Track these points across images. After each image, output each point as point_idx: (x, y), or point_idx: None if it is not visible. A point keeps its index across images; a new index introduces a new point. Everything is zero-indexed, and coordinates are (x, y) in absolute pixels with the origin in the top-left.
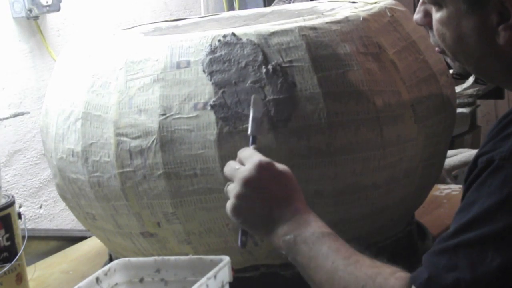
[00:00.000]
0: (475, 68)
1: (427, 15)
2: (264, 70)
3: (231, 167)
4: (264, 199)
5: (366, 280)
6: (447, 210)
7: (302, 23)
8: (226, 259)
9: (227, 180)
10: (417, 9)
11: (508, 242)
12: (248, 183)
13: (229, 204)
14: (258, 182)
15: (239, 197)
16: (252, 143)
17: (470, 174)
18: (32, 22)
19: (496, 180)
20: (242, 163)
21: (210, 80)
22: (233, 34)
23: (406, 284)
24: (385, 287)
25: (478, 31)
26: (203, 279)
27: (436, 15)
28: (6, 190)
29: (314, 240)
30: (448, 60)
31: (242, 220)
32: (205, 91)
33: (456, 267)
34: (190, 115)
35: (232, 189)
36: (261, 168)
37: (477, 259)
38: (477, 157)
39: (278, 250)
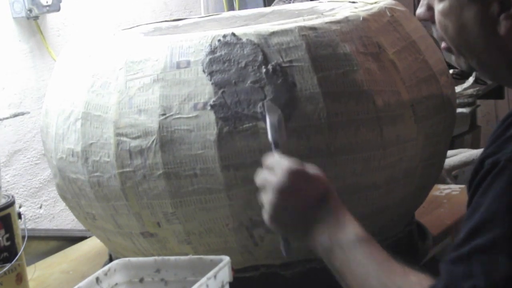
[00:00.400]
0: (478, 62)
1: (430, 9)
2: (264, 70)
3: (262, 177)
4: (299, 205)
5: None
6: (447, 210)
7: (302, 23)
8: (226, 259)
9: (260, 187)
10: (420, 3)
11: None
12: (282, 191)
13: (266, 214)
14: (291, 189)
15: (275, 206)
16: (275, 149)
17: (475, 176)
18: (32, 22)
19: (503, 182)
20: (271, 171)
21: (210, 80)
22: (233, 34)
23: None
24: None
25: (479, 21)
26: (203, 279)
27: (439, 6)
28: (6, 190)
29: (349, 245)
30: (453, 58)
31: (281, 228)
32: (205, 91)
33: (471, 275)
34: (190, 115)
35: (267, 198)
36: (292, 174)
37: (490, 265)
38: (482, 159)
39: (315, 253)
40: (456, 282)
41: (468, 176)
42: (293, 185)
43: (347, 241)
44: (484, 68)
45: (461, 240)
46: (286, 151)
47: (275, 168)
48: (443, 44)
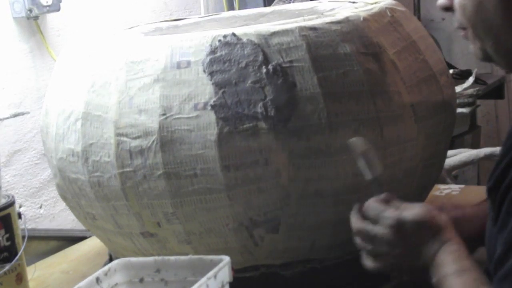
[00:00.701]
0: (494, 44)
1: None
2: (264, 70)
3: (367, 228)
4: (409, 252)
5: None
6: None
7: (302, 23)
8: (226, 259)
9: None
10: None
11: None
12: (391, 245)
13: (383, 262)
14: (400, 242)
15: (396, 255)
16: (379, 188)
17: (502, 179)
18: (32, 22)
19: None
20: (376, 223)
21: (210, 80)
22: (233, 34)
23: None
24: None
25: None
26: (203, 279)
27: None
28: (6, 190)
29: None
30: (471, 47)
31: (398, 272)
32: (206, 91)
33: None
34: (190, 115)
35: (388, 244)
36: (422, 226)
37: None
38: (508, 165)
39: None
40: None
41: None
42: (401, 238)
43: (450, 276)
44: (500, 53)
45: (504, 252)
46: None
47: (379, 221)
48: (462, 32)
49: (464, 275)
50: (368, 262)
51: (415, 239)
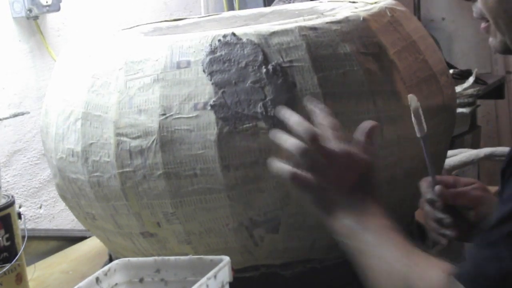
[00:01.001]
0: None
1: None
2: (264, 70)
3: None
4: (343, 185)
5: (416, 277)
6: None
7: (302, 23)
8: (226, 259)
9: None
10: None
11: None
12: (337, 160)
13: (307, 176)
14: (347, 166)
15: (320, 172)
16: (427, 146)
17: (510, 165)
18: (32, 22)
19: None
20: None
21: (210, 80)
22: (233, 34)
23: (450, 279)
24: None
25: None
26: (203, 279)
27: None
28: (6, 190)
29: (377, 230)
30: (490, 39)
31: (314, 196)
32: (205, 91)
33: (498, 258)
34: (190, 115)
35: (316, 160)
36: (352, 157)
37: None
38: None
39: (336, 234)
40: (482, 266)
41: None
42: (350, 167)
43: (375, 226)
44: None
45: (492, 225)
46: None
47: (342, 140)
48: (482, 24)
49: (395, 231)
50: (278, 165)
51: (348, 180)
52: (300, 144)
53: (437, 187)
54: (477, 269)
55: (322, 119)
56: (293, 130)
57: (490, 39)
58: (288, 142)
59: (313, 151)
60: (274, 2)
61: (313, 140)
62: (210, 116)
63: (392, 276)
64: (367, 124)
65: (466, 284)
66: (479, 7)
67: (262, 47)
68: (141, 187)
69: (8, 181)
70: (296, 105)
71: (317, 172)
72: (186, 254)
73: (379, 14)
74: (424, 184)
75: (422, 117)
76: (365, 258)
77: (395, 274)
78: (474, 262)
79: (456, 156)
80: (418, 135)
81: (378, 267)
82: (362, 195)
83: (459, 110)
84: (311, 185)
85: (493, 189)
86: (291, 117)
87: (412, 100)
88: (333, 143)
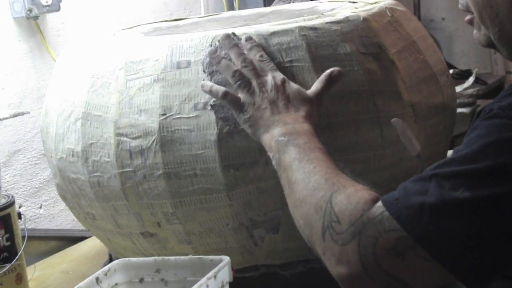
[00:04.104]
0: (499, 32)
1: None
2: None
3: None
4: (274, 103)
5: (339, 187)
6: None
7: (302, 23)
8: (226, 259)
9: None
10: None
11: (483, 182)
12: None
13: (243, 95)
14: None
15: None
16: (423, 163)
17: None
18: (32, 22)
19: (489, 126)
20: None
21: (210, 80)
22: (234, 34)
23: (374, 200)
24: (353, 195)
25: None
26: (203, 279)
27: None
28: (6, 190)
29: (305, 147)
30: (474, 32)
31: (248, 115)
32: None
33: (425, 193)
34: (190, 115)
35: (259, 81)
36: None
37: (448, 189)
38: (480, 110)
39: (266, 150)
40: (408, 196)
41: None
42: (284, 91)
43: (305, 144)
44: (504, 41)
45: (430, 168)
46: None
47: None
48: (467, 17)
49: (324, 151)
50: (211, 84)
51: (276, 98)
52: (233, 67)
53: None
54: (402, 197)
55: (255, 51)
56: (232, 56)
57: (474, 32)
58: (223, 62)
59: (245, 73)
60: (274, 2)
61: (247, 64)
62: (210, 116)
63: (316, 191)
64: (335, 69)
65: (387, 205)
66: None
67: (262, 47)
68: (141, 187)
69: (8, 181)
70: None
71: (247, 91)
72: (186, 254)
73: (379, 14)
74: None
75: (412, 137)
76: (287, 170)
77: (320, 188)
78: (403, 192)
79: None
80: (412, 154)
81: (296, 178)
82: (294, 114)
83: (459, 110)
84: (241, 103)
85: None
86: (231, 49)
87: (397, 123)
88: (262, 67)
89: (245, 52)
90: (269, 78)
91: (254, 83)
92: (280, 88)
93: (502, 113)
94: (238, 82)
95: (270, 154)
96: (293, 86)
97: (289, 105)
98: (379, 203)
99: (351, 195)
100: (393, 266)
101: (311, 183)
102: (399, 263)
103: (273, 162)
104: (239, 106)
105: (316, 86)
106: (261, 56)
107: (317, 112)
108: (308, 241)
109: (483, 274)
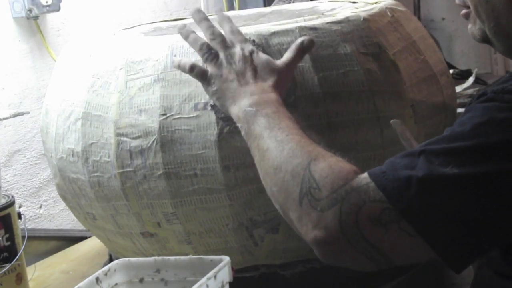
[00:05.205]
0: (494, 27)
1: None
2: None
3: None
4: (242, 74)
5: (317, 155)
6: None
7: (303, 23)
8: (226, 259)
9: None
10: None
11: (473, 159)
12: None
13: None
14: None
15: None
16: None
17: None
18: (32, 22)
19: (483, 108)
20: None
21: None
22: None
23: (356, 171)
24: (335, 165)
25: None
26: (203, 279)
27: None
28: (6, 190)
29: (274, 116)
30: (469, 26)
31: (215, 88)
32: None
33: (413, 167)
34: (191, 115)
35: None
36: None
37: (437, 165)
38: (476, 95)
39: (235, 122)
40: (395, 170)
41: None
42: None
43: (274, 113)
44: (499, 36)
45: (419, 146)
46: None
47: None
48: (463, 11)
49: (294, 121)
50: (180, 59)
51: (246, 70)
52: (201, 39)
53: None
54: (390, 171)
55: (226, 23)
56: (201, 30)
57: (469, 26)
58: (191, 36)
59: (213, 45)
60: (274, 2)
61: (215, 37)
62: (211, 116)
63: (291, 158)
64: (306, 38)
65: (373, 176)
66: None
67: (262, 47)
68: (141, 187)
69: (8, 181)
70: (296, 105)
71: (215, 64)
72: (186, 254)
73: (380, 14)
74: None
75: (411, 138)
76: (258, 140)
77: (296, 156)
78: (391, 166)
79: None
80: None
81: (268, 146)
82: (261, 84)
83: (459, 110)
84: (209, 76)
85: None
86: (201, 23)
87: (396, 124)
88: (229, 38)
89: (216, 25)
90: (237, 49)
91: (222, 55)
92: (248, 59)
93: (496, 96)
94: (206, 55)
95: (239, 125)
96: (261, 56)
97: (257, 75)
98: (365, 175)
99: (333, 164)
100: (374, 236)
101: (285, 150)
102: (381, 234)
103: (242, 133)
104: (206, 78)
105: (286, 55)
106: (231, 27)
107: (287, 82)
108: (280, 208)
109: (466, 253)
